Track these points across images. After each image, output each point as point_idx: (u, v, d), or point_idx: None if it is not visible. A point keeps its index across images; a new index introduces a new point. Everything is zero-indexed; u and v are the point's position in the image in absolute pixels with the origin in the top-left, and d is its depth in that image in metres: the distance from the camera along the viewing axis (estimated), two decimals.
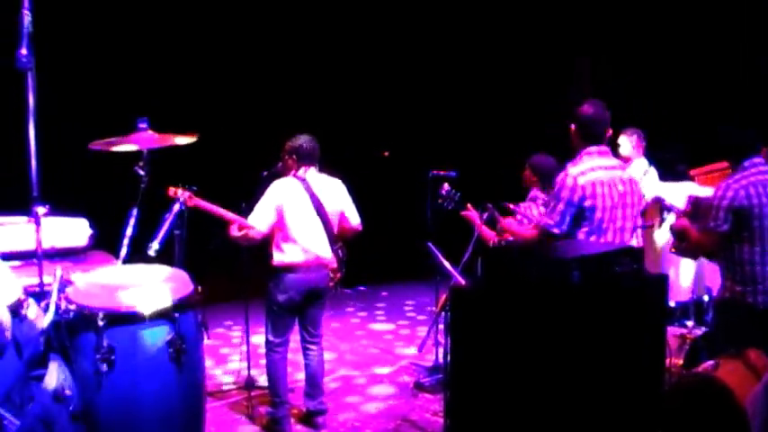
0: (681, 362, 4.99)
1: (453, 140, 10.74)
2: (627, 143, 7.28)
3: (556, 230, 4.28)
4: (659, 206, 5.60)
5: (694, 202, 4.88)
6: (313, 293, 5.34)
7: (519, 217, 5.86)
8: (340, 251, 5.48)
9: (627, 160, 7.09)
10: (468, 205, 6.01)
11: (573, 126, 4.47)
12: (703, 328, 5.30)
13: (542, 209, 5.65)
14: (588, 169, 4.33)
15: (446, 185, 6.04)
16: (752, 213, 4.39)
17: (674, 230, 4.87)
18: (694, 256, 5.22)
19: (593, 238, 4.27)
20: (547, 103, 10.44)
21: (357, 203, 5.56)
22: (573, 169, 4.34)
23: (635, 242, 4.56)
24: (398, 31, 11.24)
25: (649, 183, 6.88)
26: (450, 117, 11.47)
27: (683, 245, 4.82)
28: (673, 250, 5.05)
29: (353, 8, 10.88)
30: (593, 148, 4.41)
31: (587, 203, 4.25)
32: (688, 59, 9.70)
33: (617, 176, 4.40)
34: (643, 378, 3.30)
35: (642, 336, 3.29)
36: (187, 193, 4.73)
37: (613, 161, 4.51)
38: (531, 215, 5.85)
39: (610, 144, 4.57)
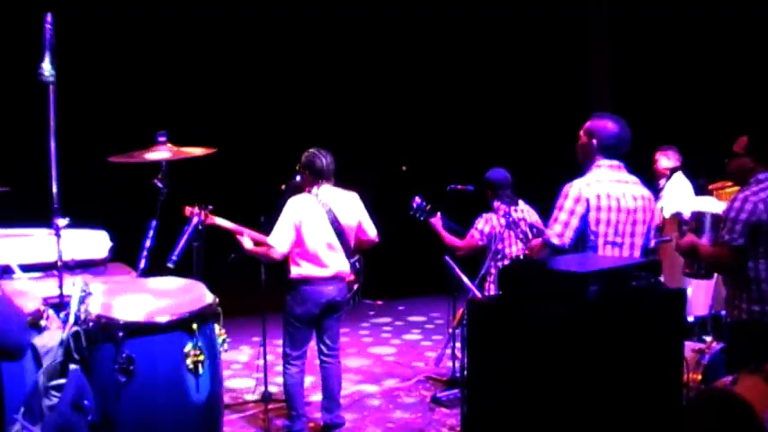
0: (699, 377, 4.96)
1: (471, 154, 10.74)
2: (664, 159, 7.31)
3: (556, 241, 4.12)
4: (678, 221, 5.57)
5: (696, 217, 4.76)
6: (331, 306, 5.35)
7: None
8: (357, 263, 5.50)
9: (665, 176, 7.16)
10: (438, 214, 6.21)
11: (594, 141, 4.30)
12: (722, 344, 5.25)
13: (502, 220, 5.82)
14: (594, 180, 4.19)
15: (417, 198, 6.27)
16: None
17: (682, 249, 4.71)
18: (708, 276, 5.02)
19: (600, 253, 4.15)
20: (565, 119, 10.46)
21: (375, 218, 5.58)
22: (578, 181, 4.20)
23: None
24: (417, 48, 11.27)
25: (675, 192, 6.89)
26: (467, 131, 11.48)
27: (694, 263, 4.70)
28: (686, 271, 4.90)
29: (373, 24, 10.92)
30: (603, 161, 4.27)
31: (591, 215, 4.11)
32: (704, 69, 9.68)
33: (628, 191, 4.24)
34: (661, 393, 3.29)
35: (660, 351, 3.28)
36: (203, 212, 4.76)
37: (625, 176, 4.33)
38: (478, 224, 6.20)
39: (642, 160, 4.46)
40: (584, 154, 4.38)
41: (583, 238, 4.16)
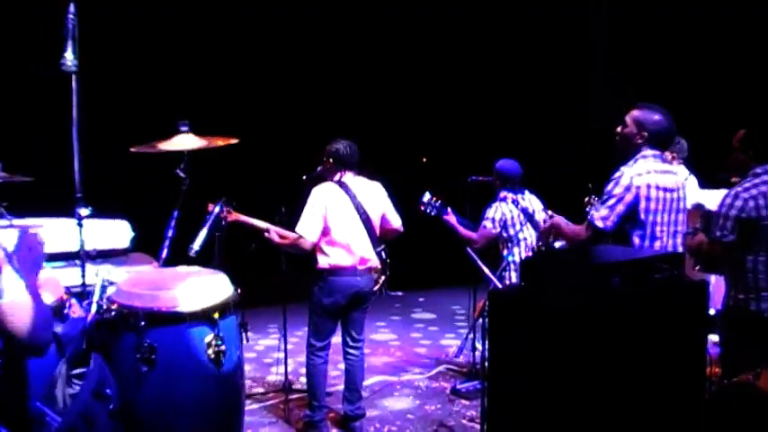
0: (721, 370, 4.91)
1: (492, 145, 10.74)
2: (667, 152, 7.21)
3: (599, 224, 4.23)
4: (700, 213, 5.53)
5: (705, 216, 4.79)
6: (358, 297, 5.34)
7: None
8: (383, 253, 5.49)
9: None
10: (449, 210, 6.23)
11: (644, 132, 4.38)
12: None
13: (512, 206, 5.91)
14: (644, 171, 4.29)
15: (427, 193, 6.30)
16: (759, 224, 4.24)
17: (692, 248, 4.73)
18: (717, 271, 5.01)
19: (647, 243, 4.23)
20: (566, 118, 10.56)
21: (396, 209, 5.57)
22: (629, 170, 4.29)
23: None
24: (437, 38, 11.26)
25: (689, 190, 6.81)
26: (488, 122, 11.47)
27: (701, 260, 4.71)
28: (696, 268, 4.91)
29: (393, 17, 10.91)
30: (648, 152, 4.36)
31: (642, 205, 4.22)
32: (706, 67, 9.62)
33: (671, 181, 4.37)
34: (683, 386, 3.26)
35: (682, 343, 3.26)
36: (226, 209, 4.76)
37: (667, 166, 4.48)
38: (488, 214, 6.25)
39: None
40: (629, 143, 4.44)
41: (632, 227, 4.26)
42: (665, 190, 4.30)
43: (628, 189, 4.22)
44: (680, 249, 4.42)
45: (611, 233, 4.25)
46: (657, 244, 4.28)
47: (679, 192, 4.40)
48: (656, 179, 4.29)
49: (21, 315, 2.45)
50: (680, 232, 4.41)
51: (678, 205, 4.37)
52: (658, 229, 4.28)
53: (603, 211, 4.26)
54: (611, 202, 4.25)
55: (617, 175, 4.30)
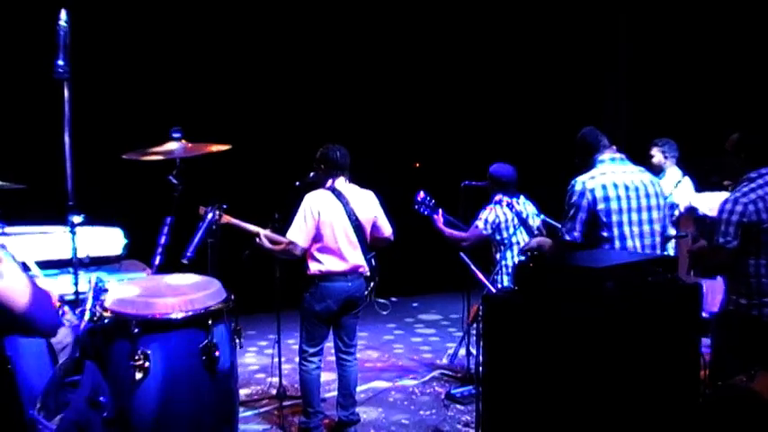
0: None
1: (486, 149, 10.74)
2: (657, 153, 7.22)
3: (568, 237, 4.30)
4: (693, 216, 5.54)
5: (698, 220, 4.82)
6: (350, 302, 5.35)
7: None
8: (373, 260, 5.49)
9: (659, 170, 7.06)
10: (441, 211, 6.31)
11: (584, 148, 4.55)
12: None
13: (506, 209, 6.02)
14: (599, 174, 4.36)
15: (421, 192, 6.37)
16: (760, 228, 4.25)
17: (693, 254, 4.74)
18: (713, 275, 5.01)
19: (617, 243, 4.25)
20: (580, 117, 10.49)
21: (388, 214, 5.57)
22: (581, 177, 4.38)
23: (670, 246, 4.53)
24: (430, 44, 11.27)
25: (683, 192, 6.82)
26: (483, 123, 11.48)
27: (702, 266, 4.71)
28: (692, 273, 4.93)
29: (386, 22, 10.92)
30: (603, 155, 4.45)
31: (600, 207, 4.27)
32: (720, 67, 9.63)
33: (636, 178, 4.41)
34: (678, 390, 3.27)
35: (676, 347, 3.27)
36: (217, 212, 4.75)
37: (628, 165, 4.51)
38: (482, 215, 6.22)
39: (641, 155, 4.57)
40: (583, 161, 4.58)
41: (598, 230, 4.30)
42: (627, 187, 4.34)
43: (582, 194, 4.30)
44: (658, 249, 4.45)
45: (582, 242, 4.30)
46: (629, 243, 4.31)
47: (647, 189, 4.43)
48: (614, 179, 4.34)
49: (20, 294, 2.43)
50: (657, 231, 4.44)
51: (648, 203, 4.40)
52: (627, 229, 4.32)
53: (568, 224, 4.35)
54: (572, 212, 4.33)
55: (570, 184, 4.40)
